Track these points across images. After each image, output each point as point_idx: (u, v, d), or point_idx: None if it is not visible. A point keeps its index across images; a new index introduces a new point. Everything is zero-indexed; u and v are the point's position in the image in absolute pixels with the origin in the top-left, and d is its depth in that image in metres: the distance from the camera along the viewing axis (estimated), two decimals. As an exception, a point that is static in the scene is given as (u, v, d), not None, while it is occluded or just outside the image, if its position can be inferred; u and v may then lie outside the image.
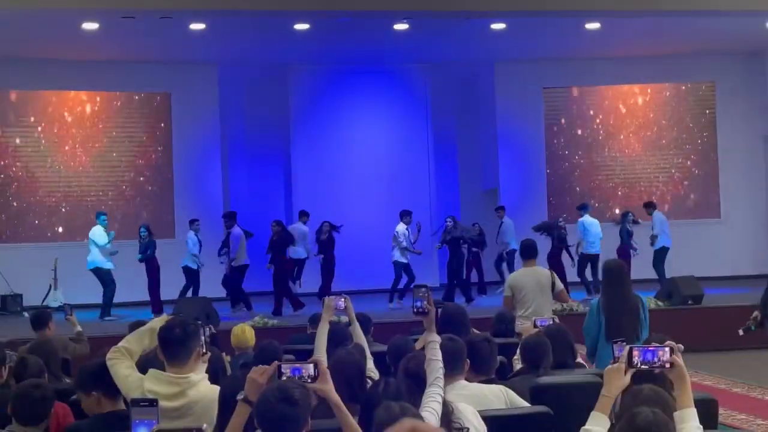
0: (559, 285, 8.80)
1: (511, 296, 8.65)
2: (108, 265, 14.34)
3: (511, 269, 16.05)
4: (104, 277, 14.31)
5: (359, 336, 6.29)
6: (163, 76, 17.65)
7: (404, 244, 15.19)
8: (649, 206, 16.37)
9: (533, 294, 8.54)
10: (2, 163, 17.23)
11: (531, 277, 8.71)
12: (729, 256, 18.28)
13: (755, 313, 8.71)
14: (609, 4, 13.82)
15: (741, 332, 8.84)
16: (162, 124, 18.17)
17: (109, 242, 14.29)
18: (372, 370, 5.33)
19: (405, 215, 15.47)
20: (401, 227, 15.32)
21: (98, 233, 14.33)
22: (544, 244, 14.00)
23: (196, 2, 12.92)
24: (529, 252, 9.05)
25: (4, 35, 14.83)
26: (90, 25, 14.44)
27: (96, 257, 14.27)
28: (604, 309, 7.01)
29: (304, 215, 16.06)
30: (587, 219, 15.88)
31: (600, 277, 11.61)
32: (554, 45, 17.44)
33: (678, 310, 13.10)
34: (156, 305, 14.50)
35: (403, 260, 15.23)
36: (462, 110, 19.84)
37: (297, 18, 14.48)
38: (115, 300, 14.47)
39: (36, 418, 4.34)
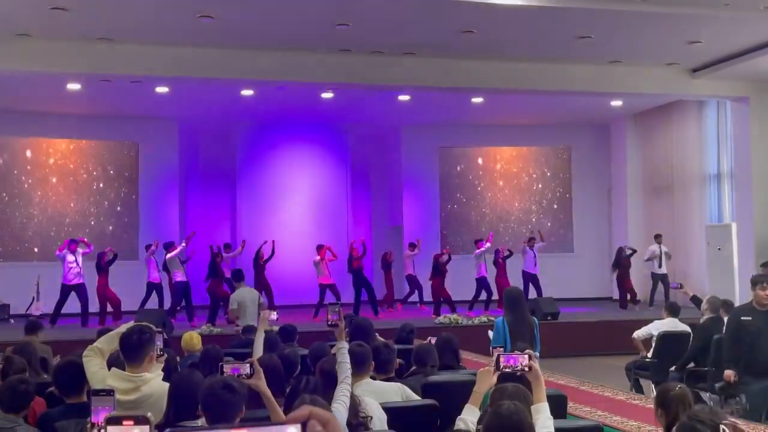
0: (262, 299, 10.92)
1: (236, 308, 10.23)
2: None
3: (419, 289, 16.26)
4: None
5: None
6: (133, 128, 17.32)
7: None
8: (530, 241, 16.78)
9: (249, 305, 10.18)
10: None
11: (248, 294, 10.44)
12: (579, 282, 18.65)
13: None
14: (490, 83, 14.04)
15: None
16: (131, 167, 17.83)
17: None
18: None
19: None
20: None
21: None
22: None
23: (161, 69, 12.74)
24: (240, 277, 11.05)
25: (9, 93, 14.54)
26: (74, 86, 14.16)
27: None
28: (508, 326, 6.81)
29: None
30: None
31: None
32: (447, 114, 17.68)
33: (539, 324, 13.26)
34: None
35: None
36: (375, 162, 19.91)
37: (243, 85, 14.41)
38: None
39: (18, 407, 4.21)
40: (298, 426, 0.95)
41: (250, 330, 8.50)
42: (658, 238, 16.29)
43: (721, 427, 2.69)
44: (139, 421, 1.24)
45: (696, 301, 9.98)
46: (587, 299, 18.12)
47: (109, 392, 2.68)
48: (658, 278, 16.06)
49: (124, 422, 1.24)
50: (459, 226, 19.30)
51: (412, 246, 16.49)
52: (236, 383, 3.48)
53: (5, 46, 11.78)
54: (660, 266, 16.04)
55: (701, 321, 8.98)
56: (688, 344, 8.71)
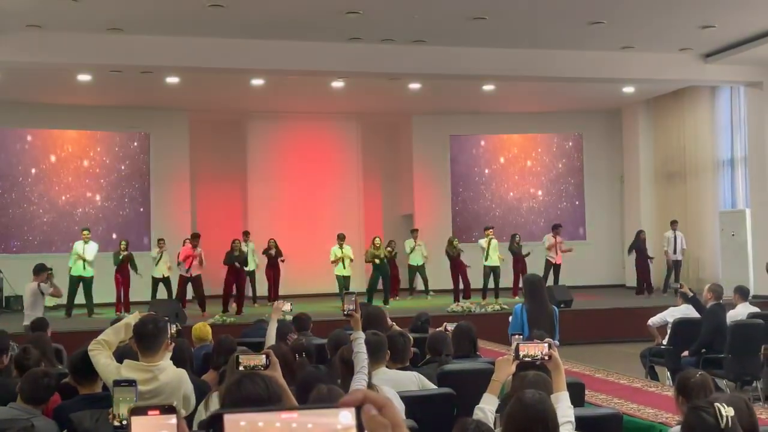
0: (51, 290, 10.92)
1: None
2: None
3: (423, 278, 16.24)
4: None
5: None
6: (144, 119, 17.34)
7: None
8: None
9: (28, 297, 10.64)
10: (6, 186, 16.81)
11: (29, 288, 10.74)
12: (592, 270, 18.56)
13: None
14: (501, 71, 13.98)
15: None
16: (142, 159, 17.84)
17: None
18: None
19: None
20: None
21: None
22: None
23: (171, 60, 12.73)
24: (34, 271, 11.11)
25: (20, 84, 14.56)
26: (84, 77, 14.15)
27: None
28: (527, 314, 6.70)
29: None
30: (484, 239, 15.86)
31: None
32: (458, 102, 17.61)
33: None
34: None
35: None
36: (386, 151, 19.82)
37: (253, 75, 14.38)
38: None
39: (39, 400, 4.22)
40: (353, 410, 0.92)
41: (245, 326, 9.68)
42: (673, 224, 16.16)
43: (716, 405, 2.69)
44: (166, 410, 1.20)
45: (694, 301, 9.46)
46: (600, 287, 18.06)
47: (131, 383, 2.65)
48: (672, 265, 15.95)
49: (149, 412, 1.19)
50: (470, 214, 19.24)
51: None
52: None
53: (15, 38, 11.78)
54: (675, 252, 15.92)
55: (707, 307, 8.85)
56: (702, 331, 8.67)
